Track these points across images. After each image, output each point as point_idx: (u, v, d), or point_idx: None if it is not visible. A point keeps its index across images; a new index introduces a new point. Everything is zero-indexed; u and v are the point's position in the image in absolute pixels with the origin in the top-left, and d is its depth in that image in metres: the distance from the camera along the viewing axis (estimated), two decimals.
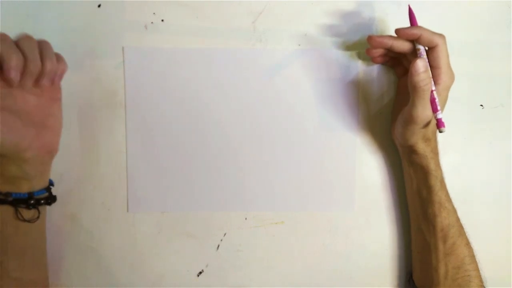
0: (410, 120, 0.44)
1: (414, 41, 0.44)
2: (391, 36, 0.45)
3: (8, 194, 0.41)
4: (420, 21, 0.47)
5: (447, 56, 0.44)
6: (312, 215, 0.52)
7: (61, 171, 0.48)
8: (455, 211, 0.47)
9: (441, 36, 0.44)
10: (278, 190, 0.51)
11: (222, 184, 0.51)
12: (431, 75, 0.43)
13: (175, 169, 0.51)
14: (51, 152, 0.44)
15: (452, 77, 0.44)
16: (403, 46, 0.45)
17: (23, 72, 0.39)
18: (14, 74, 0.38)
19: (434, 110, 0.43)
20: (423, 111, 0.43)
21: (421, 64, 0.42)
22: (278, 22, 0.50)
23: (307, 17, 0.50)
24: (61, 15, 0.48)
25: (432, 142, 0.46)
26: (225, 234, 0.52)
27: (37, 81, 0.41)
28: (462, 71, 0.48)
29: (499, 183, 0.53)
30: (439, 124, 0.43)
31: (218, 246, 0.52)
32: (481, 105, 0.52)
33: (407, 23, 0.47)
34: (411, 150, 0.46)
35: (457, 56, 0.45)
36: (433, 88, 0.43)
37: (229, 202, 0.51)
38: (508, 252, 0.53)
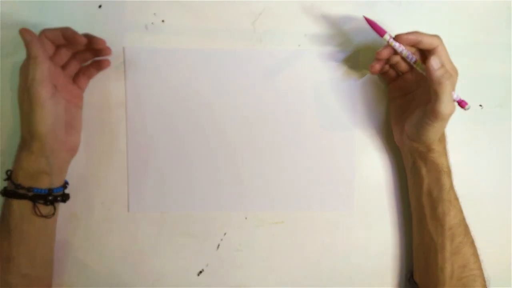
0: (437, 117, 0.43)
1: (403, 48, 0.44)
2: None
3: (30, 188, 0.43)
4: (420, 21, 0.47)
5: (447, 53, 0.44)
6: (312, 215, 0.52)
7: None
8: (462, 210, 0.47)
9: (438, 36, 0.44)
10: (278, 190, 0.51)
11: (222, 184, 0.51)
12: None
13: (175, 169, 0.51)
14: (73, 150, 0.47)
15: (456, 73, 0.44)
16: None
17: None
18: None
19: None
20: (448, 105, 0.42)
21: (437, 61, 0.42)
22: (278, 22, 0.50)
23: (307, 18, 0.50)
24: (62, 15, 0.49)
25: (443, 140, 0.47)
26: (225, 233, 0.52)
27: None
28: (461, 71, 0.48)
29: (499, 183, 0.53)
30: (462, 104, 0.44)
31: (218, 245, 0.52)
32: (480, 105, 0.52)
33: (407, 23, 0.47)
34: (428, 149, 0.46)
35: (456, 56, 0.45)
36: None
37: (229, 202, 0.51)
38: (508, 252, 0.53)
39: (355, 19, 0.50)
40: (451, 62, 0.44)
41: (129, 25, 0.49)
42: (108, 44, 0.48)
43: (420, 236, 0.49)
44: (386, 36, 0.44)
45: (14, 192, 0.43)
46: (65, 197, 0.47)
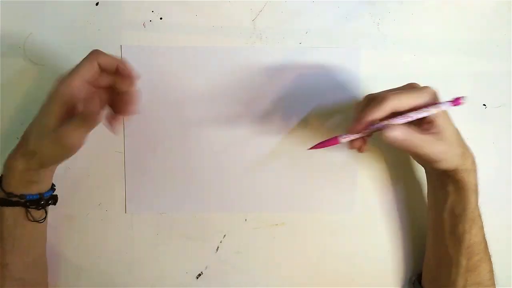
0: (433, 162, 0.41)
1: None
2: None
3: (22, 196, 0.43)
4: (421, 20, 0.46)
5: (448, 119, 0.42)
6: (313, 217, 0.51)
7: (58, 172, 0.48)
8: (483, 227, 0.45)
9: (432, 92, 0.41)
10: (279, 191, 0.51)
11: (222, 184, 0.50)
12: (409, 131, 0.40)
13: (173, 169, 0.50)
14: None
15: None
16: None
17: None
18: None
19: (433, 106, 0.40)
20: (435, 151, 0.40)
21: (392, 135, 0.39)
22: (278, 20, 0.49)
23: (308, 15, 0.50)
24: (59, 13, 0.48)
25: (468, 156, 0.43)
26: (224, 235, 0.51)
27: None
28: (464, 71, 0.48)
29: (502, 182, 0.52)
30: (456, 103, 0.39)
31: (218, 248, 0.51)
32: (484, 105, 0.52)
33: (408, 20, 0.46)
34: (455, 172, 0.43)
35: (459, 55, 0.45)
36: (414, 115, 0.40)
37: (229, 203, 0.51)
38: (509, 252, 0.52)
39: (357, 16, 0.50)
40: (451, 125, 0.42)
41: (127, 23, 0.49)
42: (106, 41, 0.48)
43: (434, 248, 0.47)
44: (341, 140, 0.42)
45: (6, 200, 0.43)
46: (55, 200, 0.47)
